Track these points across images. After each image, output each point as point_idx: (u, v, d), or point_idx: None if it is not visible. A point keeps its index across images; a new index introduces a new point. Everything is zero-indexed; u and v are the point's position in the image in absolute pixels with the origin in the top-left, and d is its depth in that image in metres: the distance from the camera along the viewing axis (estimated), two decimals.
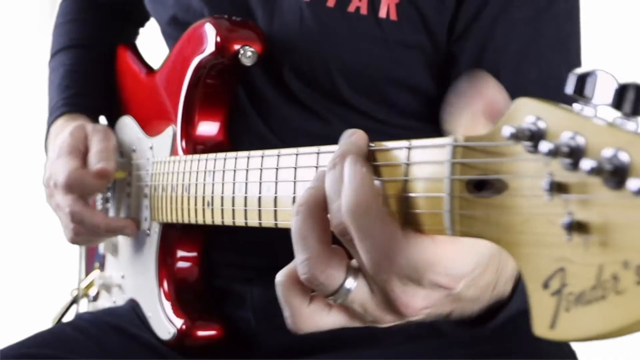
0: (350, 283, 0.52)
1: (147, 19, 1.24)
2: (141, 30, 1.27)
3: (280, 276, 0.55)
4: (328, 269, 0.52)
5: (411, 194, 0.50)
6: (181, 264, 0.97)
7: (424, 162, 0.49)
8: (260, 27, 0.90)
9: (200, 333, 0.94)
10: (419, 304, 0.52)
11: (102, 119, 1.15)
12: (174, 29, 0.99)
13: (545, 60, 0.84)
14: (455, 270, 0.50)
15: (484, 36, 0.84)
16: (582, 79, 0.43)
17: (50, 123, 1.10)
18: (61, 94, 1.12)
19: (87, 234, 1.01)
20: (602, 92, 0.42)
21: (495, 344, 0.89)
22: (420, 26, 0.84)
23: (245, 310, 0.96)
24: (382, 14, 0.85)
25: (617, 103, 0.41)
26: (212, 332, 0.94)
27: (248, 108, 0.94)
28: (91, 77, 1.15)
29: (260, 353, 0.96)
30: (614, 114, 0.41)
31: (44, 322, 1.15)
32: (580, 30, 0.88)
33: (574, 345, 0.94)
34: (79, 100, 1.11)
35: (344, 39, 0.86)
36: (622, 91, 0.41)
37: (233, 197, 0.75)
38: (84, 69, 1.15)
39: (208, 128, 0.94)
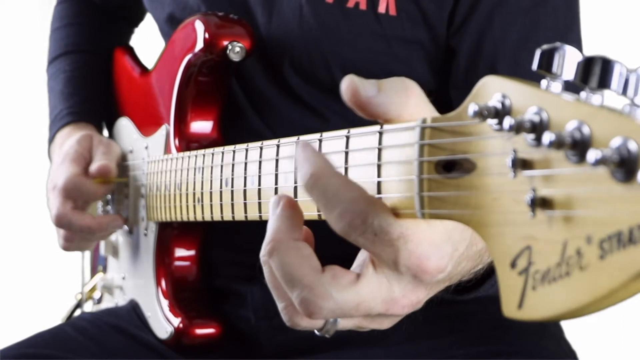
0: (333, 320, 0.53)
1: (141, 19, 1.24)
2: (139, 29, 1.27)
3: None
4: (305, 318, 0.52)
5: (383, 179, 0.49)
6: (178, 263, 0.97)
7: (395, 145, 0.49)
8: (257, 26, 0.90)
9: (198, 331, 0.93)
10: (411, 301, 0.51)
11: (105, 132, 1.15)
12: (172, 27, 0.99)
13: None
14: (431, 262, 0.49)
15: (482, 28, 0.83)
16: (548, 55, 0.42)
17: (56, 131, 1.10)
18: (65, 102, 1.11)
19: (77, 238, 1.01)
20: (569, 67, 0.41)
21: (496, 344, 0.88)
22: (420, 21, 0.84)
23: (246, 309, 0.96)
24: (382, 9, 0.84)
25: (583, 77, 0.40)
26: (210, 331, 0.94)
27: (246, 106, 0.94)
28: (92, 82, 1.15)
29: (260, 353, 0.96)
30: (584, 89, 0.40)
31: (47, 324, 1.15)
32: (580, 22, 0.87)
33: (574, 346, 0.92)
34: (83, 108, 1.11)
35: (344, 35, 0.86)
36: (587, 65, 0.40)
37: (220, 192, 0.75)
38: (85, 75, 1.15)
39: (201, 126, 0.94)
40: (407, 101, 0.50)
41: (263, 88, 0.92)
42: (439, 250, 0.49)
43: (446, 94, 0.88)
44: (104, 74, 1.16)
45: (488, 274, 0.63)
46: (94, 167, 0.98)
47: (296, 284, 0.49)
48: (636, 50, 1.56)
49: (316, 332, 0.54)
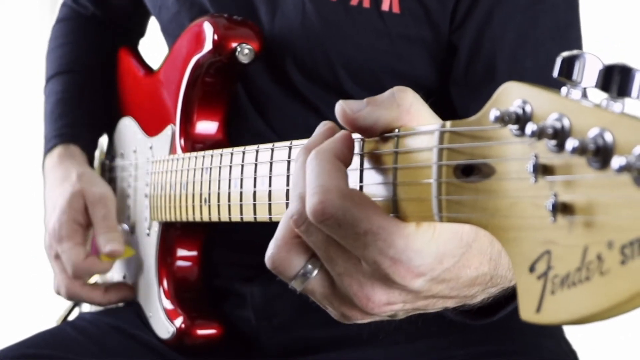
0: (307, 269, 0.52)
1: (142, 34, 1.23)
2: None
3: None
4: (288, 255, 0.52)
5: (400, 182, 0.50)
6: (181, 263, 0.98)
7: (412, 149, 0.49)
8: (263, 25, 0.90)
9: (200, 332, 0.94)
10: (380, 298, 0.51)
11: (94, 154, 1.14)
12: (176, 27, 0.99)
13: (543, 49, 0.84)
14: (411, 265, 0.49)
15: (481, 24, 0.84)
16: (569, 62, 0.42)
17: (45, 153, 1.09)
18: (54, 124, 1.11)
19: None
20: (590, 74, 0.41)
21: (496, 344, 0.88)
22: (423, 18, 0.85)
23: (246, 309, 0.96)
24: (385, 6, 0.85)
25: (604, 85, 0.40)
26: (212, 331, 0.94)
27: (247, 105, 0.94)
28: (81, 102, 1.13)
29: (260, 353, 0.96)
30: (603, 96, 0.41)
31: (46, 323, 1.15)
32: (579, 20, 0.88)
33: (574, 345, 0.93)
34: (70, 130, 1.10)
35: (347, 33, 0.86)
36: (608, 72, 0.40)
37: (229, 193, 0.75)
38: (75, 96, 1.14)
39: (207, 126, 0.94)
40: (400, 109, 0.50)
41: (265, 87, 0.93)
42: (419, 257, 0.49)
43: (448, 92, 0.88)
44: (97, 92, 1.15)
45: (501, 304, 0.63)
46: (105, 249, 0.98)
47: (368, 237, 0.48)
48: (636, 50, 1.57)
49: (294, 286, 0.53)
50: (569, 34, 0.87)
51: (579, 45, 0.88)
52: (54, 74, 1.17)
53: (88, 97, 1.14)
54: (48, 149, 1.09)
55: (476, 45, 0.84)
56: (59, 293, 1.05)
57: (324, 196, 0.48)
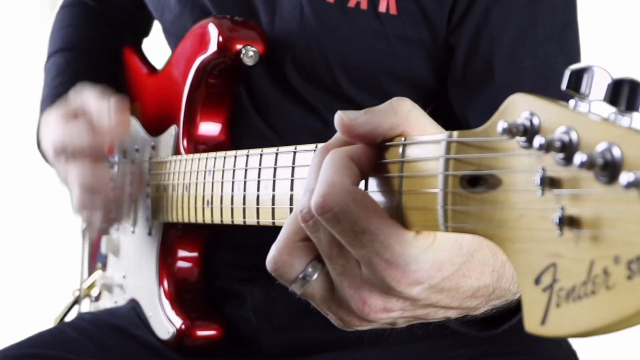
0: (307, 272, 0.52)
1: (147, 34, 1.22)
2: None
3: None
4: (290, 258, 0.52)
5: (405, 190, 0.50)
6: (182, 264, 0.98)
7: (419, 158, 0.49)
8: (262, 26, 0.90)
9: (200, 333, 0.94)
10: (376, 303, 0.51)
11: None
12: (178, 29, 0.99)
13: (541, 49, 0.85)
14: (406, 270, 0.48)
15: (478, 24, 0.84)
16: (578, 75, 0.42)
17: (41, 115, 1.06)
18: (52, 90, 1.09)
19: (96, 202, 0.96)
20: (598, 87, 0.41)
21: (496, 344, 0.89)
22: (421, 20, 0.85)
23: (246, 310, 0.96)
24: (382, 8, 0.85)
25: (612, 99, 0.40)
26: (212, 332, 0.95)
27: (248, 107, 0.94)
28: (84, 78, 1.10)
29: (260, 353, 0.97)
30: (610, 110, 0.41)
31: (46, 323, 1.15)
32: (577, 20, 0.88)
33: (575, 346, 0.93)
34: (68, 90, 1.05)
35: (344, 34, 0.87)
36: (616, 87, 0.40)
37: (232, 196, 0.75)
38: (77, 70, 1.12)
39: (210, 128, 0.94)
40: (398, 116, 0.50)
41: (265, 88, 0.93)
42: (415, 263, 0.49)
43: (446, 93, 0.88)
44: (100, 73, 1.13)
45: (505, 317, 0.63)
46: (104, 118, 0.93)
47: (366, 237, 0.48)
48: (636, 50, 1.57)
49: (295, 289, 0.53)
50: (567, 34, 0.87)
51: (576, 46, 0.88)
52: (57, 50, 1.14)
53: (91, 75, 1.11)
54: (44, 109, 1.05)
55: (474, 46, 0.85)
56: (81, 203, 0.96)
57: (327, 189, 0.48)
